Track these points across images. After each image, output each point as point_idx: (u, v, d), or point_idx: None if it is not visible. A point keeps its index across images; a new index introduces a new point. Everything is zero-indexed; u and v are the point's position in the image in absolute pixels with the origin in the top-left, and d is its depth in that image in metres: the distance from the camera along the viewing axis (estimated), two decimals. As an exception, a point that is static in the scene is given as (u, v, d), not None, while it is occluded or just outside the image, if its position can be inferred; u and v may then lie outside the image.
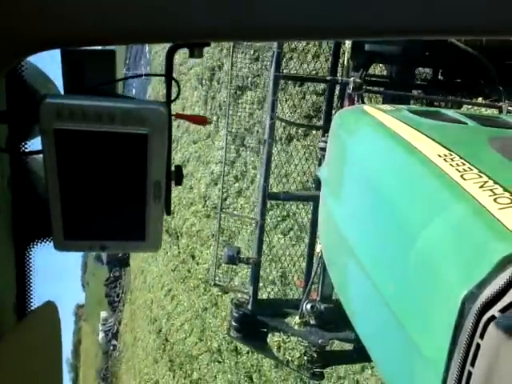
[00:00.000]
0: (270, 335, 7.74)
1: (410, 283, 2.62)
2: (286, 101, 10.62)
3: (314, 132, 10.78)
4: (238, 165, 13.22)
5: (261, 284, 9.91)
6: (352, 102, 6.42)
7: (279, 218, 12.09)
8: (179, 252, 17.86)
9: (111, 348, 34.67)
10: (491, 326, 1.89)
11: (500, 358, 1.86)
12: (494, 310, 1.91)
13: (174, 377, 17.90)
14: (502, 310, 1.90)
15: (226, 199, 14.17)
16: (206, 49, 1.36)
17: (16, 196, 1.41)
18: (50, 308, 1.42)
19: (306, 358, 7.47)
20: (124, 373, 28.41)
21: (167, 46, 1.36)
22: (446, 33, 1.17)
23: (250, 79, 12.41)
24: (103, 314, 37.21)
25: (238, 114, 11.57)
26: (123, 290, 33.41)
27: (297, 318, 7.38)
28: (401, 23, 1.08)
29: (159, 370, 19.58)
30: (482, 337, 1.92)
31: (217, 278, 10.97)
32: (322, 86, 8.15)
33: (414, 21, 1.07)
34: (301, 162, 9.81)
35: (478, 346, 1.94)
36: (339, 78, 6.98)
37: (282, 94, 10.39)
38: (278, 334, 7.62)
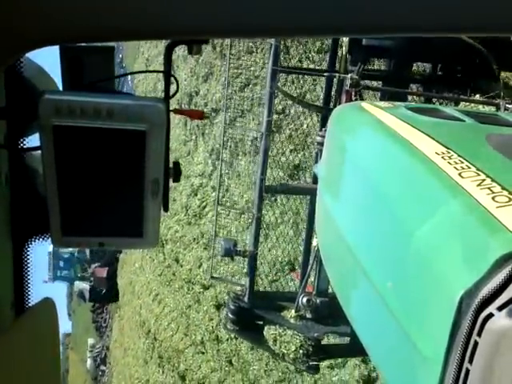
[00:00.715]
0: (266, 328, 7.77)
1: (407, 281, 2.62)
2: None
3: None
4: (215, 176, 14.44)
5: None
6: (350, 98, 6.40)
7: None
8: (164, 258, 19.09)
9: (100, 373, 34.80)
10: (489, 324, 1.90)
11: (498, 356, 1.87)
12: (492, 308, 1.91)
13: (163, 372, 19.04)
14: (500, 308, 1.90)
15: (205, 207, 16.16)
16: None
17: (14, 192, 1.41)
18: (47, 305, 1.42)
19: (301, 351, 7.50)
20: None
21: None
22: (446, 30, 1.16)
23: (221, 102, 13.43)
24: (91, 341, 37.25)
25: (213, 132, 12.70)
26: (110, 315, 33.38)
27: (293, 311, 7.40)
28: (399, 20, 1.08)
29: (149, 370, 20.72)
30: (479, 334, 1.93)
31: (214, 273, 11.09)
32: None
33: (413, 18, 1.07)
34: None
35: (476, 343, 1.94)
36: (336, 74, 6.98)
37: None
38: (273, 327, 7.65)
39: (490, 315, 1.91)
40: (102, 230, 1.42)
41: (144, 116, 1.29)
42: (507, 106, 6.28)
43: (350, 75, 6.43)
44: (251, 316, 7.72)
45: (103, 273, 31.79)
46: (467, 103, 6.91)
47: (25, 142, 1.41)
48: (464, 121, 3.57)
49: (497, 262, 2.00)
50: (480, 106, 6.80)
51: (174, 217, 17.86)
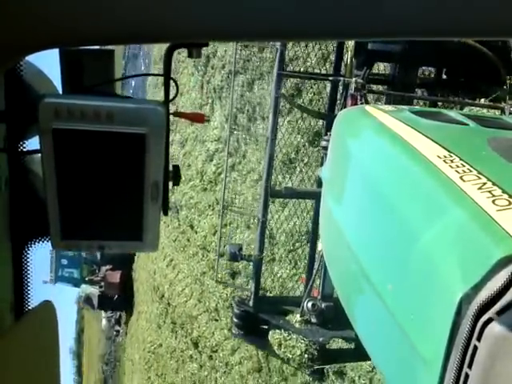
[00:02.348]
0: (271, 333, 7.75)
1: (408, 284, 2.62)
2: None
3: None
4: (231, 142, 13.79)
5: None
6: (355, 102, 6.39)
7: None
8: (179, 224, 18.62)
9: (114, 334, 34.04)
10: (488, 329, 1.89)
11: (497, 361, 1.86)
12: (491, 313, 1.90)
13: (176, 338, 18.67)
14: (499, 313, 1.89)
15: (220, 173, 15.29)
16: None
17: (14, 195, 1.42)
18: (47, 307, 1.43)
19: (306, 355, 7.48)
20: (128, 345, 28.85)
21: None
22: (448, 34, 1.16)
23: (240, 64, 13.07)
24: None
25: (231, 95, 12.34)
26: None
27: (298, 315, 7.38)
28: (403, 24, 1.08)
29: (162, 335, 20.33)
30: (479, 339, 1.92)
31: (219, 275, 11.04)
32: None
33: (416, 22, 1.07)
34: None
35: (476, 348, 1.93)
36: (341, 78, 6.97)
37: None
38: (279, 331, 7.63)
39: (490, 320, 1.90)
40: (101, 234, 1.42)
41: (144, 119, 1.30)
42: (512, 109, 6.25)
43: (354, 79, 6.42)
44: (256, 320, 7.71)
45: (116, 277, 28.51)
46: (472, 107, 6.89)
47: (24, 145, 1.42)
48: (467, 124, 3.56)
49: (496, 265, 1.99)
50: (485, 110, 6.78)
51: (188, 183, 17.47)
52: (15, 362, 1.24)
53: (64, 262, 32.93)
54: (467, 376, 1.97)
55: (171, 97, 1.48)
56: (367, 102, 6.60)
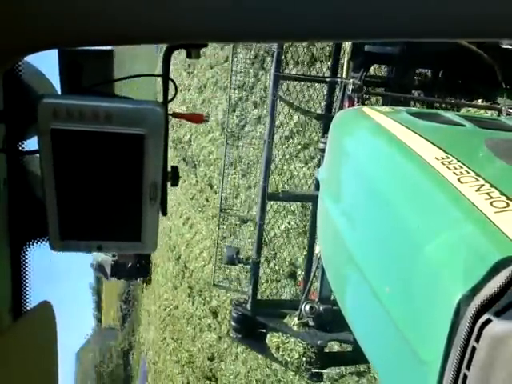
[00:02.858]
0: (268, 336, 7.72)
1: (406, 285, 2.62)
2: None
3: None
4: (257, 90, 12.82)
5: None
6: (352, 103, 6.41)
7: (299, 147, 11.78)
8: (197, 181, 17.50)
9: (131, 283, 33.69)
10: (487, 330, 1.89)
11: (495, 362, 1.86)
12: (490, 314, 1.91)
13: (193, 303, 17.78)
14: (498, 313, 1.89)
15: (244, 126, 13.97)
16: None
17: (12, 196, 1.42)
18: (45, 308, 1.42)
19: (304, 358, 7.47)
20: (145, 295, 28.40)
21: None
22: (444, 35, 1.17)
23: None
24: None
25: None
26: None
27: (295, 318, 7.38)
28: (398, 26, 1.08)
29: (178, 296, 19.49)
30: (477, 340, 1.92)
31: (216, 279, 10.93)
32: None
33: (411, 23, 1.07)
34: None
35: (474, 349, 1.93)
36: (339, 79, 6.98)
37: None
38: (276, 334, 7.60)
39: (488, 321, 1.90)
40: (100, 234, 1.42)
41: (142, 120, 1.30)
42: (509, 110, 6.27)
43: (352, 80, 6.44)
44: (254, 323, 7.70)
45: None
46: (469, 108, 6.92)
47: (23, 146, 1.42)
48: (464, 125, 3.58)
49: (494, 266, 2.00)
50: (482, 111, 6.80)
51: (207, 135, 16.27)
52: (13, 361, 1.24)
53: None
54: (466, 377, 1.97)
55: (170, 97, 1.48)
56: (364, 104, 6.62)
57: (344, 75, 6.88)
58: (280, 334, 7.57)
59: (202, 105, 16.93)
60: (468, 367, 1.96)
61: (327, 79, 7.60)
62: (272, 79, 7.09)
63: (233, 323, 7.94)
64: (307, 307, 7.19)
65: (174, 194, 19.71)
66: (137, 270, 27.98)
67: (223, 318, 15.27)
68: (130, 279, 31.37)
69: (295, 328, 7.39)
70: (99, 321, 48.86)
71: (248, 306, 7.70)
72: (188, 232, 18.26)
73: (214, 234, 15.16)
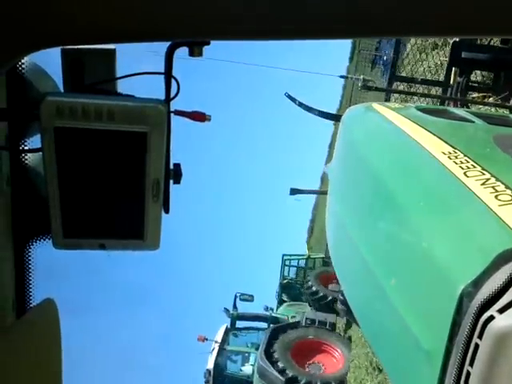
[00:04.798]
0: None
1: (411, 278, 2.63)
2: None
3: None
4: None
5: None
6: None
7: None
8: None
9: None
10: (490, 326, 1.88)
11: (498, 359, 1.85)
12: (493, 310, 1.89)
13: None
14: (501, 310, 1.88)
15: None
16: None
17: (15, 194, 1.42)
18: (49, 305, 1.43)
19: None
20: None
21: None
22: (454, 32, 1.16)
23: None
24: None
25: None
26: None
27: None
28: (409, 23, 1.07)
29: None
30: (480, 337, 1.91)
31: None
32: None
33: (421, 20, 1.06)
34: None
35: (477, 346, 1.92)
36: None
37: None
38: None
39: (491, 317, 1.89)
40: (103, 232, 1.43)
41: (145, 117, 1.30)
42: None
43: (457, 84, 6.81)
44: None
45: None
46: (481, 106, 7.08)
47: (26, 144, 1.42)
48: (473, 122, 3.58)
49: (497, 258, 1.99)
50: (493, 109, 6.87)
51: None
52: (17, 359, 1.24)
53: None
54: (468, 374, 1.96)
55: (172, 95, 1.47)
56: (468, 106, 6.85)
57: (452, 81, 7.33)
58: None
59: (202, 105, 16.81)
60: (471, 364, 1.95)
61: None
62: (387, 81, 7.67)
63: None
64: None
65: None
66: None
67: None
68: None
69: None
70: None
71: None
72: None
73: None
